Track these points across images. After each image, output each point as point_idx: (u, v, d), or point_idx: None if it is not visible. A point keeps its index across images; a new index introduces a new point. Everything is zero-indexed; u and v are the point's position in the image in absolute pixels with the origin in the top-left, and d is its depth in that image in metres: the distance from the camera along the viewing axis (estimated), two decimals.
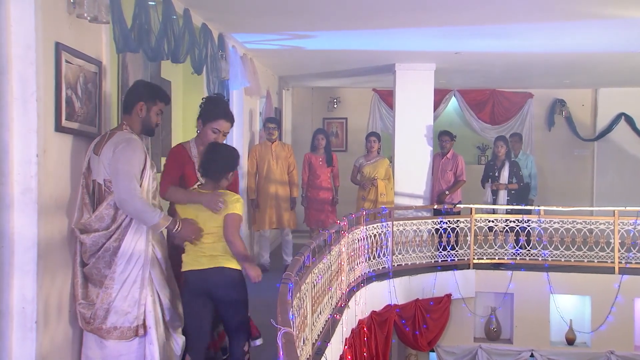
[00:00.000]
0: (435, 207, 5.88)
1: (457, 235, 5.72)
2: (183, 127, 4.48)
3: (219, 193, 2.54)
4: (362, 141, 8.61)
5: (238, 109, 5.57)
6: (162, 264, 2.61)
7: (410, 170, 6.34)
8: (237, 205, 2.53)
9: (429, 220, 5.70)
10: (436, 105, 7.63)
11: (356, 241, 4.65)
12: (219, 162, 2.59)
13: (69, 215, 2.53)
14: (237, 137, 5.60)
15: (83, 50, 2.59)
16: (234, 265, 2.55)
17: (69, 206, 2.52)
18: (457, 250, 5.74)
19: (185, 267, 2.61)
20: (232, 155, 2.62)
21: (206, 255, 2.55)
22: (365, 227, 4.84)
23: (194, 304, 2.54)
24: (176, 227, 2.53)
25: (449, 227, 5.67)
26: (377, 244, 5.13)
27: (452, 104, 8.57)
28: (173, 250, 2.66)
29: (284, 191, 5.51)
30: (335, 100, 8.86)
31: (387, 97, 8.42)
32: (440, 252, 5.68)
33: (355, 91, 8.78)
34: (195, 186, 2.68)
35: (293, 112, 8.57)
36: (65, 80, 2.46)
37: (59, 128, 2.44)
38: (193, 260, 2.57)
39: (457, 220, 5.73)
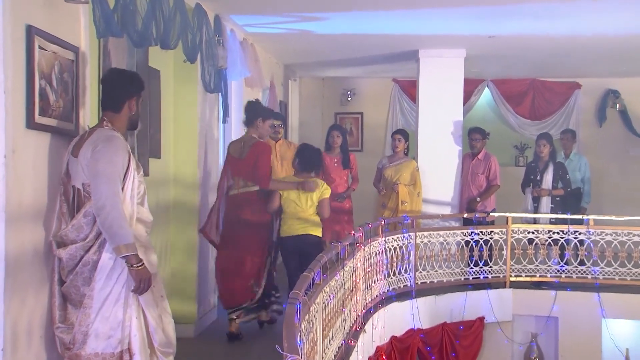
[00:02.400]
0: (465, 215, 5.82)
1: (490, 249, 5.66)
2: (175, 123, 4.48)
3: (313, 181, 4.27)
4: (380, 139, 8.66)
5: (237, 103, 5.59)
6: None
7: (436, 174, 6.30)
8: (328, 191, 4.33)
9: (458, 231, 5.66)
10: (466, 98, 7.58)
11: (373, 255, 4.62)
12: (314, 159, 4.37)
13: (46, 226, 2.52)
14: (236, 135, 5.60)
15: (58, 35, 2.59)
16: (317, 233, 4.32)
17: (45, 215, 2.52)
18: (491, 266, 5.68)
19: (284, 234, 4.30)
20: (318, 154, 4.50)
21: (302, 225, 4.25)
22: (384, 238, 4.82)
23: (291, 259, 4.24)
24: (138, 263, 2.46)
25: (481, 239, 5.62)
26: (397, 258, 5.10)
27: (485, 96, 8.51)
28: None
29: None
30: (349, 93, 8.84)
31: (409, 89, 8.39)
32: (472, 268, 5.63)
33: (372, 82, 8.76)
34: (285, 175, 4.60)
35: (300, 106, 8.57)
36: (39, 69, 2.46)
37: (32, 125, 2.44)
38: (290, 229, 4.27)
39: (491, 231, 5.67)
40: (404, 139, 5.86)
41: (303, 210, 4.25)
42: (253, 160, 4.20)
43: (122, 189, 2.50)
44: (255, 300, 4.28)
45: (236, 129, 5.60)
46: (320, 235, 4.34)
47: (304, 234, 4.25)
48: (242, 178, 4.26)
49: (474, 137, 6.00)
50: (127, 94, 2.62)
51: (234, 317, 4.26)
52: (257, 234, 4.25)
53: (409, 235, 5.22)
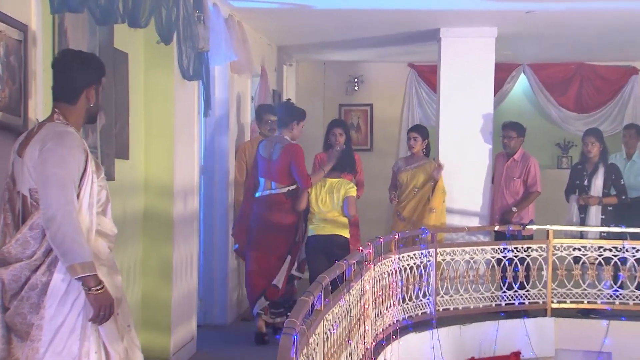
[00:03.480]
0: (497, 228, 5.82)
1: (527, 269, 5.65)
2: (146, 116, 4.48)
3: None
4: (393, 136, 8.66)
5: (222, 93, 5.61)
6: (114, 303, 2.58)
7: (461, 178, 6.29)
8: (353, 189, 5.06)
9: (488, 247, 5.66)
10: (498, 87, 7.58)
11: (385, 276, 4.63)
12: (346, 159, 5.21)
13: None
14: (220, 131, 5.61)
15: (4, 10, 2.59)
16: (345, 234, 5.00)
17: None
18: (528, 290, 5.68)
19: (310, 233, 5.03)
20: (350, 153, 5.42)
21: (329, 225, 4.96)
22: (397, 256, 4.83)
23: (316, 259, 4.90)
24: (97, 286, 2.44)
25: (516, 256, 5.61)
26: (414, 279, 5.11)
27: (521, 84, 8.52)
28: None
29: None
30: (356, 80, 8.86)
31: (428, 76, 8.40)
32: (504, 292, 5.62)
33: (384, 67, 8.78)
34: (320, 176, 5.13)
35: (298, 97, 8.57)
36: None
37: None
38: (317, 229, 4.99)
39: (528, 248, 5.67)
40: (422, 138, 5.85)
41: (330, 210, 4.96)
42: (286, 162, 4.89)
43: (78, 196, 2.49)
44: (280, 298, 4.98)
45: (220, 124, 5.61)
46: (347, 236, 5.00)
47: (331, 234, 4.93)
48: (271, 180, 4.95)
49: (508, 135, 5.99)
50: (84, 81, 2.61)
51: (261, 312, 5.00)
52: (283, 236, 4.96)
53: (429, 252, 5.22)
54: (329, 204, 4.97)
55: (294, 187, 4.96)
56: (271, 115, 5.72)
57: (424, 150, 5.89)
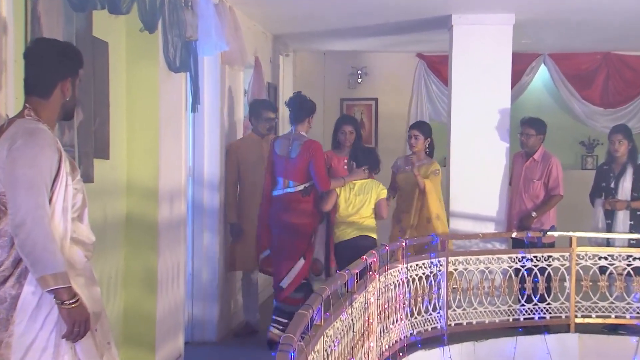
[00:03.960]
0: (514, 235, 5.83)
1: (548, 280, 5.65)
2: (128, 112, 4.49)
3: (360, 170, 5.31)
4: (400, 133, 8.63)
5: (212, 86, 5.61)
6: (93, 318, 2.58)
7: (475, 180, 6.31)
8: (384, 191, 5.33)
9: (505, 256, 5.66)
10: (516, 79, 7.59)
11: (392, 287, 4.64)
12: (370, 159, 5.38)
13: None
14: (210, 128, 5.61)
15: None
16: (373, 234, 5.24)
17: None
18: (549, 303, 5.68)
19: (337, 240, 5.24)
20: (373, 153, 5.58)
21: (355, 229, 5.18)
22: (405, 265, 4.82)
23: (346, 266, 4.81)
24: (70, 299, 2.44)
25: (535, 266, 5.61)
26: (423, 291, 5.11)
27: (542, 76, 8.55)
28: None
29: None
30: (359, 72, 8.88)
31: (439, 67, 8.43)
32: (523, 305, 5.63)
33: (390, 58, 8.80)
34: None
35: (295, 90, 8.56)
36: None
37: None
38: (343, 234, 5.20)
39: (549, 256, 5.67)
40: (423, 136, 5.80)
41: (359, 210, 5.19)
42: (306, 160, 5.08)
43: (50, 200, 2.49)
44: (288, 306, 5.01)
45: (210, 121, 5.62)
46: (375, 237, 5.22)
47: (358, 235, 5.14)
48: (289, 178, 5.14)
49: (526, 132, 5.99)
50: (59, 73, 2.60)
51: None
52: (296, 238, 5.12)
53: (439, 261, 5.23)
54: (358, 205, 5.18)
55: (309, 183, 5.12)
56: (270, 112, 5.72)
57: (427, 150, 5.84)
